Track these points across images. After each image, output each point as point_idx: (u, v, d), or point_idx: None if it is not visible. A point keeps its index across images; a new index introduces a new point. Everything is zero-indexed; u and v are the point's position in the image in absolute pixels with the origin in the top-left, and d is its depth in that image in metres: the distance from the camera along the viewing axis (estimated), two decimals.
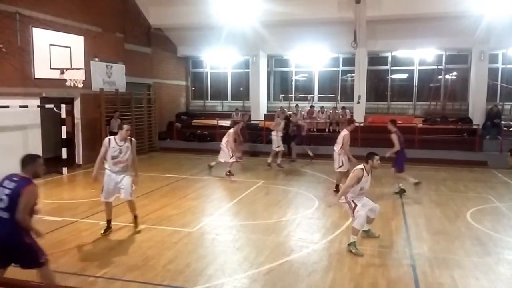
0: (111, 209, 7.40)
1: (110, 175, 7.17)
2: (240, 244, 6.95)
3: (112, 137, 7.23)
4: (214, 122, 18.91)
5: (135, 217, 7.55)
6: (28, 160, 4.46)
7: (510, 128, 16.03)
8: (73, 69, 13.05)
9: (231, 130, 13.07)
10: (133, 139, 7.36)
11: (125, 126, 7.15)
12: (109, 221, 7.44)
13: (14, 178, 4.34)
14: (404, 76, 19.92)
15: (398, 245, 6.94)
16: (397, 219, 8.41)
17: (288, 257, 6.34)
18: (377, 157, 6.80)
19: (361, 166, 6.76)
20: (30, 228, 4.38)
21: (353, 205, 6.69)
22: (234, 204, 9.57)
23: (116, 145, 7.04)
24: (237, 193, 10.52)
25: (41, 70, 12.35)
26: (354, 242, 6.51)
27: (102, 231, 7.30)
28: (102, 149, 7.08)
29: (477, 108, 17.11)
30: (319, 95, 20.39)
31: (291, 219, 8.36)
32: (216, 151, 17.22)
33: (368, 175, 6.74)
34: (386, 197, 10.24)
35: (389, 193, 10.61)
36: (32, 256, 4.36)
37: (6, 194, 4.22)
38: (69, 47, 13.12)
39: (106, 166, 7.16)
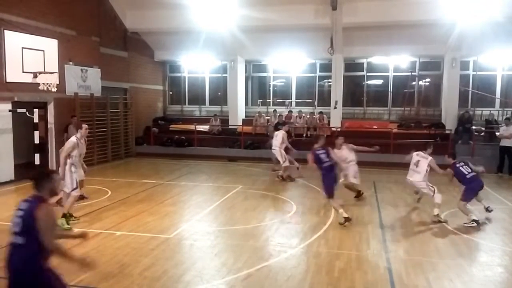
0: None
1: (76, 171, 8.21)
2: (218, 249, 6.91)
3: (75, 137, 8.31)
4: (191, 127, 18.81)
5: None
6: (41, 178, 3.88)
7: (481, 133, 16.51)
8: (47, 72, 12.75)
9: (281, 133, 13.07)
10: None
11: (85, 125, 8.68)
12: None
13: (28, 199, 3.78)
14: (379, 82, 20.30)
15: (375, 248, 7.02)
16: (374, 222, 8.53)
17: (266, 262, 6.33)
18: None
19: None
20: (65, 255, 3.83)
21: (432, 188, 8.72)
22: (212, 209, 9.52)
23: (81, 143, 8.51)
24: (215, 198, 10.47)
25: (13, 74, 12.03)
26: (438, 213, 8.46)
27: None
28: (72, 148, 8.05)
29: (449, 113, 17.59)
30: (297, 100, 20.56)
31: (269, 224, 8.37)
32: (194, 156, 17.21)
33: None
34: (363, 201, 10.38)
35: (365, 197, 10.77)
36: None
37: (20, 216, 3.69)
38: (43, 51, 12.83)
39: (72, 162, 8.08)
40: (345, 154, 9.83)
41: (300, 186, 12.16)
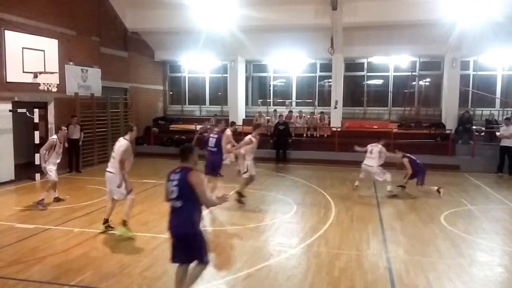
0: None
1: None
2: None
3: (125, 140, 7.43)
4: (192, 127, 18.80)
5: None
6: (188, 151, 4.81)
7: (481, 133, 16.50)
8: (47, 72, 12.76)
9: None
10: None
11: (135, 128, 7.81)
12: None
13: (177, 170, 4.70)
14: (380, 82, 20.29)
15: (375, 248, 7.03)
16: (374, 222, 8.53)
17: (266, 262, 6.33)
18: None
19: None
20: (218, 203, 4.82)
21: (384, 171, 10.71)
22: (212, 209, 9.49)
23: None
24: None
25: (13, 74, 12.03)
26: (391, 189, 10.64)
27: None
28: (125, 152, 7.28)
29: (449, 113, 17.58)
30: (297, 100, 20.55)
31: (269, 224, 8.37)
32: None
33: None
34: (363, 201, 10.38)
35: (366, 197, 10.77)
36: (199, 248, 4.65)
37: (175, 185, 4.58)
38: (43, 51, 12.83)
39: (127, 169, 7.38)
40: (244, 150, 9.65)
41: (300, 186, 12.16)
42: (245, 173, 9.53)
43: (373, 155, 10.69)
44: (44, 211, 9.05)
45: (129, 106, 17.94)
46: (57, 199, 9.83)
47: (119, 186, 7.26)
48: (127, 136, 7.50)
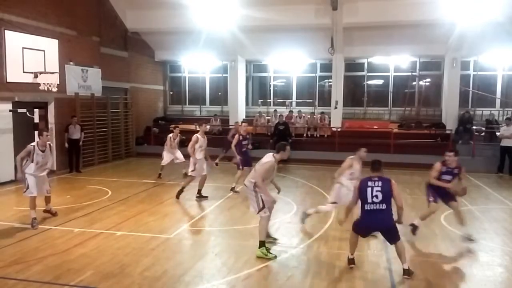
0: None
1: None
2: (219, 249, 6.91)
3: (274, 159, 6.57)
4: (192, 127, 18.77)
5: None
6: (380, 164, 5.95)
7: (482, 133, 16.50)
8: (47, 72, 12.75)
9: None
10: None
11: (288, 147, 6.80)
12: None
13: (375, 178, 5.79)
14: (380, 82, 20.29)
15: (375, 248, 7.02)
16: None
17: (266, 262, 6.33)
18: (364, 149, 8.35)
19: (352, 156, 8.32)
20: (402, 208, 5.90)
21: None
22: (212, 209, 9.52)
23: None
24: (215, 198, 10.46)
25: (14, 74, 12.02)
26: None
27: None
28: (269, 173, 6.57)
29: (450, 113, 17.58)
30: (297, 100, 20.56)
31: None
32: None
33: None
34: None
35: None
36: (397, 232, 5.83)
37: (378, 191, 5.66)
38: (43, 51, 12.82)
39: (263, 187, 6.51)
40: None
41: (300, 186, 12.15)
42: (192, 171, 10.15)
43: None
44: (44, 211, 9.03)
45: (129, 106, 17.96)
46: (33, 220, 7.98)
47: (252, 201, 6.64)
48: (278, 155, 6.58)
